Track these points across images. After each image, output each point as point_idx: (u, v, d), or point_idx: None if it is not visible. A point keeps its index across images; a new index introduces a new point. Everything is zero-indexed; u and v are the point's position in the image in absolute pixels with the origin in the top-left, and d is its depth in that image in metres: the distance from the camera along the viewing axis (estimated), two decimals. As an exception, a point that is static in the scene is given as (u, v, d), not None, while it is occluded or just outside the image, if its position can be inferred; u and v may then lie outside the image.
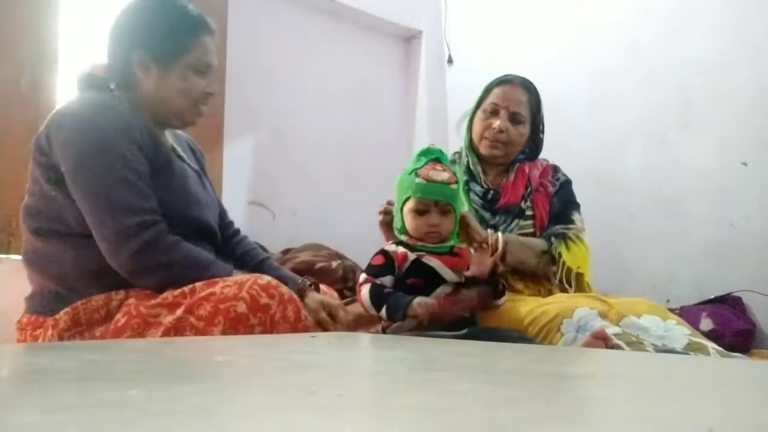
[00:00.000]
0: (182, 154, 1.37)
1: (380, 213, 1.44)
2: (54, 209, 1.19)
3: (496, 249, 1.46)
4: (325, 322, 1.31)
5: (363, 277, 1.28)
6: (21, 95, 1.82)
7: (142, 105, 1.26)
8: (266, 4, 2.51)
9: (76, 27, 1.97)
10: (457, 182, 1.33)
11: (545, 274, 1.56)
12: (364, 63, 2.87)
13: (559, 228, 1.59)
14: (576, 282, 1.55)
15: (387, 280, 1.26)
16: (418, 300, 1.18)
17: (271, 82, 2.49)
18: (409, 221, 1.31)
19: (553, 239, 1.56)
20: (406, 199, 1.31)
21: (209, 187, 1.42)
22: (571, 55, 2.48)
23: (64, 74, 1.90)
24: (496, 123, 1.61)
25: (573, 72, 2.45)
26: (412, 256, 1.28)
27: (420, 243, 1.30)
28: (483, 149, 1.65)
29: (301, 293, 1.36)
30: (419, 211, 1.29)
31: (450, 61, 3.00)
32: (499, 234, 1.49)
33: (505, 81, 1.65)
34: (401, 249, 1.30)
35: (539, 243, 1.55)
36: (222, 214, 1.50)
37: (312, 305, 1.33)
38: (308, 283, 1.39)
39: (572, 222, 1.62)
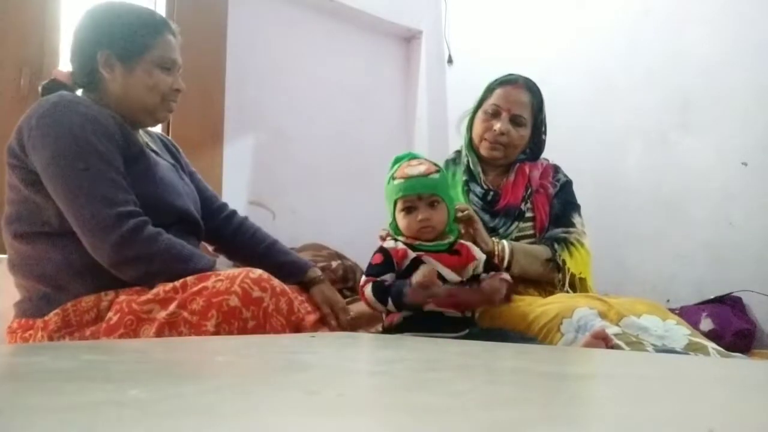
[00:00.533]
0: (155, 149, 1.37)
1: (380, 238, 1.45)
2: (34, 212, 1.19)
3: (503, 259, 1.46)
4: (328, 316, 1.35)
5: (364, 278, 1.29)
6: (21, 95, 1.82)
7: (110, 104, 1.27)
8: (266, 4, 2.51)
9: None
10: (438, 171, 1.30)
11: (550, 282, 1.55)
12: (364, 63, 2.87)
13: (560, 232, 1.58)
14: (579, 286, 1.55)
15: (387, 278, 1.27)
16: (416, 274, 1.18)
17: (270, 82, 2.49)
18: (400, 221, 1.30)
19: (556, 246, 1.55)
20: (395, 205, 1.31)
21: (187, 180, 1.42)
22: (571, 55, 2.48)
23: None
24: (497, 125, 1.59)
25: (573, 72, 2.45)
26: (412, 254, 1.28)
27: (417, 242, 1.29)
28: (483, 150, 1.64)
29: (312, 282, 1.40)
30: (407, 210, 1.29)
31: (450, 61, 3.00)
32: (505, 243, 1.48)
33: (507, 81, 1.62)
34: (401, 245, 1.29)
35: (543, 251, 1.54)
36: (211, 199, 1.50)
37: (318, 297, 1.37)
38: (322, 277, 1.43)
39: (573, 225, 1.61)
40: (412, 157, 1.35)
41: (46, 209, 1.18)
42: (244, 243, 1.48)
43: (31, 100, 1.83)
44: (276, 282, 1.14)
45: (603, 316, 1.26)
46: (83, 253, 1.16)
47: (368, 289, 1.25)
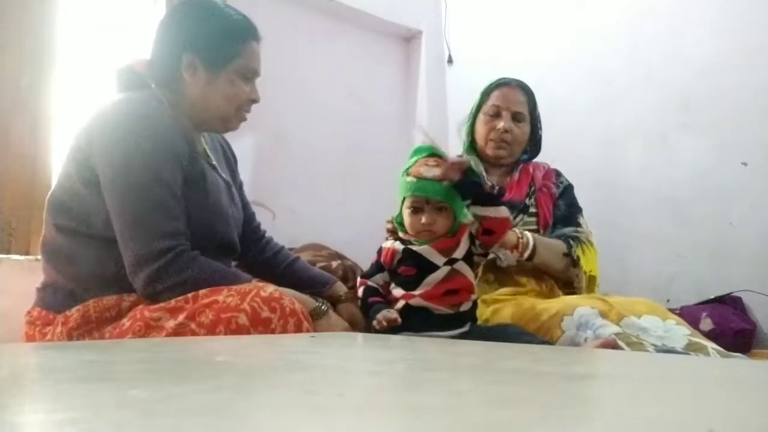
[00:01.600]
0: (215, 162, 1.36)
1: (387, 230, 1.49)
2: (82, 209, 1.19)
3: (525, 250, 1.50)
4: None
5: (359, 279, 1.37)
6: (21, 95, 1.82)
7: (184, 108, 1.26)
8: (266, 4, 2.50)
9: (76, 27, 1.97)
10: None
11: (567, 278, 1.58)
12: (364, 63, 2.87)
13: (571, 231, 1.63)
14: (588, 285, 1.57)
15: (379, 278, 1.34)
16: (379, 315, 1.25)
17: (270, 82, 2.47)
18: (406, 218, 1.32)
19: (571, 242, 1.59)
20: (403, 200, 1.32)
21: (237, 199, 1.42)
22: (571, 55, 2.48)
23: (64, 74, 1.90)
24: (500, 124, 1.66)
25: (573, 72, 2.45)
26: (400, 248, 1.31)
27: (414, 239, 1.31)
28: (489, 150, 1.69)
29: (338, 300, 1.45)
30: (413, 209, 1.29)
31: (450, 61, 3.00)
32: (528, 235, 1.51)
33: (503, 83, 1.70)
34: (395, 245, 1.33)
35: (560, 245, 1.58)
36: (250, 218, 1.52)
37: (345, 316, 1.41)
38: (348, 294, 1.46)
39: (580, 226, 1.66)
40: (432, 153, 1.33)
41: (94, 211, 1.18)
42: (267, 260, 1.51)
43: (31, 100, 1.83)
44: (287, 301, 1.12)
45: (604, 315, 1.27)
46: (118, 262, 1.16)
47: (360, 293, 1.35)
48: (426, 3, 3.00)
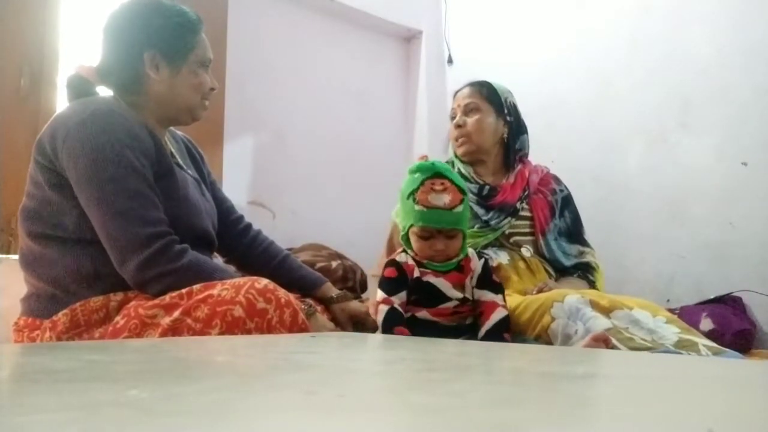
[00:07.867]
0: (180, 161, 1.37)
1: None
2: (53, 214, 1.18)
3: None
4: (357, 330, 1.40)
5: (380, 295, 1.28)
6: (21, 95, 1.82)
7: (149, 106, 1.27)
8: (266, 4, 2.51)
9: (76, 27, 1.97)
10: (462, 200, 1.25)
11: None
12: (364, 63, 2.87)
13: (580, 257, 1.68)
14: None
15: (402, 296, 1.27)
16: None
17: (271, 82, 2.49)
18: (414, 243, 1.30)
19: (590, 277, 1.64)
20: (410, 224, 1.28)
21: (207, 195, 1.42)
22: (571, 55, 2.47)
23: (64, 74, 1.90)
24: (454, 122, 1.74)
25: (573, 72, 2.45)
26: (416, 272, 1.29)
27: (426, 260, 1.30)
28: (457, 151, 1.74)
29: (330, 301, 1.44)
30: (423, 237, 1.27)
31: (450, 61, 3.00)
32: (551, 284, 1.52)
33: (458, 90, 1.80)
34: (410, 260, 1.30)
35: (583, 286, 1.60)
36: (228, 210, 1.51)
37: (341, 318, 1.42)
38: (340, 294, 1.45)
39: (586, 243, 1.71)
40: (436, 171, 1.26)
41: (65, 214, 1.17)
42: (257, 257, 1.49)
43: (31, 100, 1.83)
44: (281, 293, 1.13)
45: (594, 305, 1.27)
46: (94, 261, 1.16)
47: (383, 314, 1.25)
48: (426, 3, 3.00)
